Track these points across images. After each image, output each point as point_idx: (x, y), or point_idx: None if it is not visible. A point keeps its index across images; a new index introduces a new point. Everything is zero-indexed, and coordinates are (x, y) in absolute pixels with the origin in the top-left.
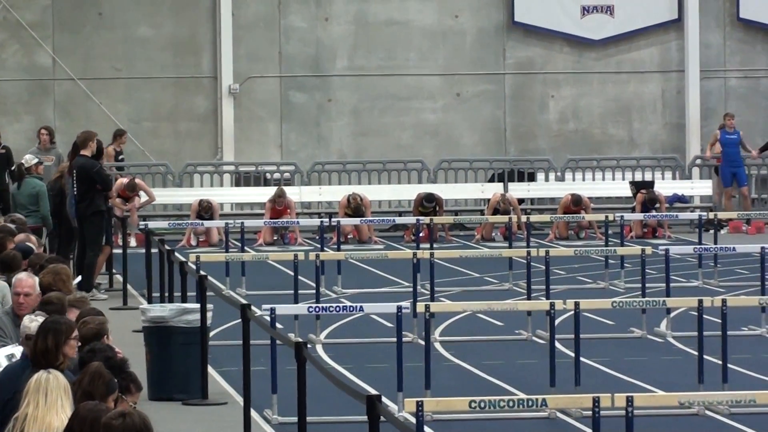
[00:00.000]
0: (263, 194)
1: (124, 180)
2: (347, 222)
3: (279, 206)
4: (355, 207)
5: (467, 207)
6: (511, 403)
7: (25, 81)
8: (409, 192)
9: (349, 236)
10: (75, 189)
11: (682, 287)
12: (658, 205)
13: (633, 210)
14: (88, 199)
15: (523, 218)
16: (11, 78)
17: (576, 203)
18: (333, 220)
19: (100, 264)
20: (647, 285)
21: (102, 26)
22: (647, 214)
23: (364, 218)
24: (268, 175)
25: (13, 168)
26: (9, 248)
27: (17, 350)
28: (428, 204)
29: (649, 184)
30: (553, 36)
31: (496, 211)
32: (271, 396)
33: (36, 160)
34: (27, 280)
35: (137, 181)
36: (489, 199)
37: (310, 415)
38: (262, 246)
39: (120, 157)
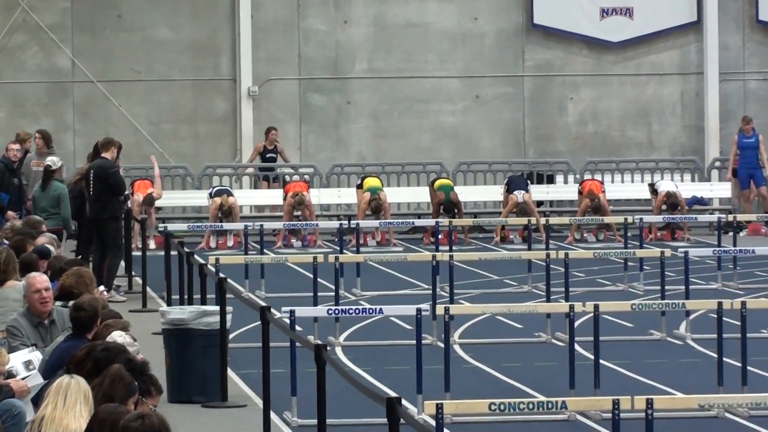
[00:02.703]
0: (282, 197)
1: (139, 198)
2: (367, 225)
3: (298, 212)
4: (375, 207)
5: (486, 209)
6: (530, 406)
7: (45, 83)
8: (428, 194)
9: (368, 238)
10: (91, 189)
11: (701, 289)
12: (679, 208)
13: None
14: (103, 200)
15: (542, 221)
16: (30, 80)
17: (596, 210)
18: (352, 222)
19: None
20: (666, 287)
21: (121, 28)
22: (666, 216)
23: (383, 221)
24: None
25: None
26: (28, 251)
27: (34, 356)
28: (447, 214)
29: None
30: (572, 38)
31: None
32: (291, 398)
33: (61, 163)
34: (42, 276)
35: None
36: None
37: (329, 417)
38: (281, 248)
39: (268, 155)
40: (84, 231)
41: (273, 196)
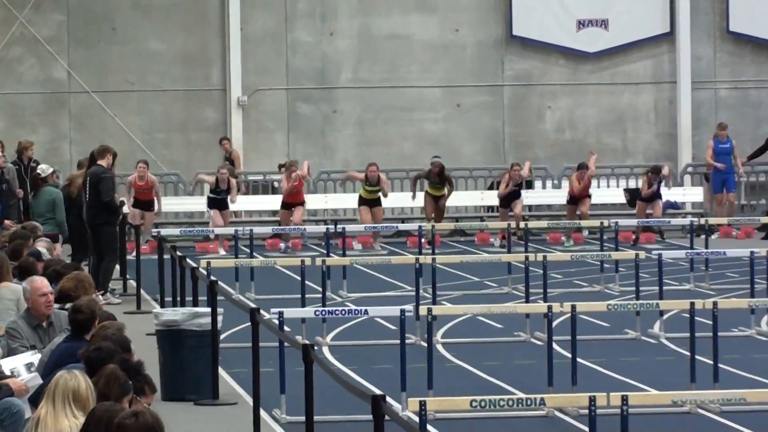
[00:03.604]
0: (271, 202)
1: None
2: (353, 230)
3: (295, 182)
4: (372, 182)
5: (468, 214)
6: (510, 403)
7: (42, 94)
8: (411, 200)
9: (353, 242)
10: (87, 195)
11: (674, 290)
12: (662, 176)
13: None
14: (98, 205)
15: (522, 224)
16: (28, 91)
17: (580, 168)
18: (338, 226)
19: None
20: (641, 288)
21: (115, 41)
22: (642, 220)
23: (368, 225)
24: (276, 184)
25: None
26: (24, 254)
27: (35, 358)
28: (434, 159)
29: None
30: (550, 49)
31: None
32: (280, 396)
33: (51, 170)
34: (45, 280)
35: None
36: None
37: (317, 414)
38: (270, 252)
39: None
40: (75, 235)
41: (262, 203)
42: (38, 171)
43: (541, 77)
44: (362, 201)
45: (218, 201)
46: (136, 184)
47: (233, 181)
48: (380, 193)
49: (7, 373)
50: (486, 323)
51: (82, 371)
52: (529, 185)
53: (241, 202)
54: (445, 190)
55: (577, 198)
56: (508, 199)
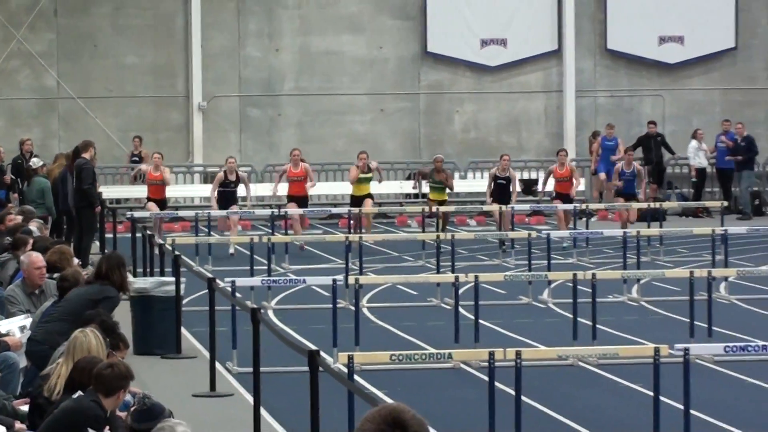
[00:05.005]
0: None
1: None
2: (293, 212)
3: (295, 169)
4: (365, 170)
5: (389, 200)
6: (423, 357)
7: (35, 99)
8: (342, 188)
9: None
10: (74, 183)
11: (560, 263)
12: (534, 188)
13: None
14: (80, 191)
15: (434, 209)
16: (24, 97)
17: (560, 152)
18: (282, 210)
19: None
20: (533, 262)
21: (97, 55)
22: (533, 205)
23: (307, 209)
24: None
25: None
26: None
27: (27, 321)
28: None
29: (534, 182)
30: (458, 63)
31: (496, 178)
32: (232, 351)
33: (41, 163)
34: (39, 255)
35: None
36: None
37: (263, 366)
38: (224, 232)
39: (133, 158)
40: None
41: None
42: (30, 164)
43: (450, 86)
44: (353, 201)
45: (227, 196)
46: (150, 175)
47: (243, 174)
48: (371, 182)
49: (4, 332)
50: (403, 291)
51: (93, 329)
52: None
53: (200, 190)
54: (446, 194)
55: (562, 194)
56: (496, 194)
